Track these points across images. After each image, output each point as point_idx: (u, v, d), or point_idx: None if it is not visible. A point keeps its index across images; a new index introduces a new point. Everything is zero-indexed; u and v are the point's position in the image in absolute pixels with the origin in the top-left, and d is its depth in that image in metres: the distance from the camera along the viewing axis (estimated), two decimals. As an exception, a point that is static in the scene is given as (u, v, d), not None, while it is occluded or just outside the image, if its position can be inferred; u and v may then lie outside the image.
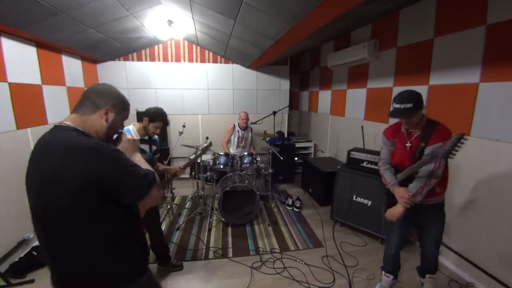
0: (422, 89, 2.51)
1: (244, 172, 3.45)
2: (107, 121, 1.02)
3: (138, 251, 1.07)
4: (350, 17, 2.95)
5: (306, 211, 3.58)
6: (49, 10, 2.27)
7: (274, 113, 4.62)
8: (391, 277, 2.09)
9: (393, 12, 2.89)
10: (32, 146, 0.95)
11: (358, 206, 2.91)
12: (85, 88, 1.13)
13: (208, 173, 3.44)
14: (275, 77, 5.15)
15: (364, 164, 2.92)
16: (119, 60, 4.54)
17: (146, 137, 2.12)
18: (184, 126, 3.84)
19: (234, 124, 4.04)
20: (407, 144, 1.76)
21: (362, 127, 3.52)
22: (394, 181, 1.82)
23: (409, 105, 1.59)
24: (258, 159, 3.52)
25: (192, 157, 2.61)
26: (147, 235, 2.03)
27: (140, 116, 3.00)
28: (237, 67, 4.97)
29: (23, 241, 2.51)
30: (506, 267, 1.95)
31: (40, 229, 0.94)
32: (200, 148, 2.69)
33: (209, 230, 3.04)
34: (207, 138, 3.32)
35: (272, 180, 3.75)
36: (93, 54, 3.97)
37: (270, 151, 3.48)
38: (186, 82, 4.82)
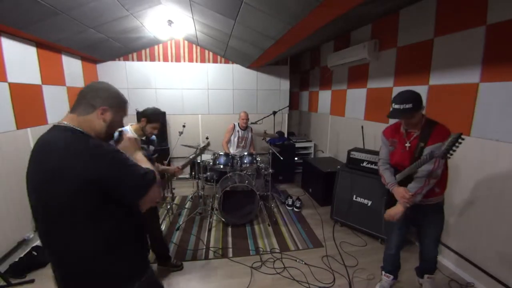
0: (422, 89, 2.51)
1: (244, 172, 3.45)
2: (105, 121, 1.01)
3: (138, 251, 1.07)
4: (350, 17, 2.95)
5: (306, 211, 3.58)
6: (49, 10, 2.27)
7: (274, 113, 4.62)
8: (391, 277, 2.09)
9: (393, 12, 2.89)
10: (32, 146, 0.95)
11: (358, 206, 2.91)
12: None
13: (208, 173, 3.44)
14: (275, 77, 5.15)
15: (364, 164, 2.93)
16: (119, 60, 4.54)
17: (143, 138, 2.12)
18: (184, 126, 3.84)
19: (234, 124, 4.04)
20: (406, 144, 1.76)
21: (362, 127, 3.52)
22: (393, 181, 1.82)
23: (408, 106, 1.58)
24: (258, 159, 3.52)
25: (191, 157, 2.61)
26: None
27: (140, 116, 3.00)
28: (237, 67, 4.97)
29: (23, 241, 2.51)
30: (506, 267, 1.95)
31: (41, 229, 0.94)
32: (199, 148, 2.68)
33: (209, 230, 3.04)
34: (207, 138, 3.32)
35: (272, 180, 3.75)
36: (93, 54, 3.97)
37: (270, 151, 3.48)
38: (186, 82, 4.81)
